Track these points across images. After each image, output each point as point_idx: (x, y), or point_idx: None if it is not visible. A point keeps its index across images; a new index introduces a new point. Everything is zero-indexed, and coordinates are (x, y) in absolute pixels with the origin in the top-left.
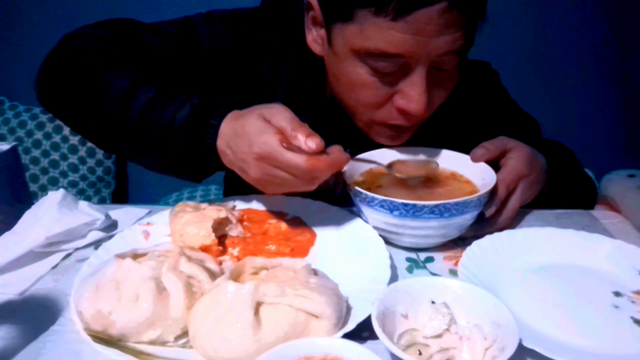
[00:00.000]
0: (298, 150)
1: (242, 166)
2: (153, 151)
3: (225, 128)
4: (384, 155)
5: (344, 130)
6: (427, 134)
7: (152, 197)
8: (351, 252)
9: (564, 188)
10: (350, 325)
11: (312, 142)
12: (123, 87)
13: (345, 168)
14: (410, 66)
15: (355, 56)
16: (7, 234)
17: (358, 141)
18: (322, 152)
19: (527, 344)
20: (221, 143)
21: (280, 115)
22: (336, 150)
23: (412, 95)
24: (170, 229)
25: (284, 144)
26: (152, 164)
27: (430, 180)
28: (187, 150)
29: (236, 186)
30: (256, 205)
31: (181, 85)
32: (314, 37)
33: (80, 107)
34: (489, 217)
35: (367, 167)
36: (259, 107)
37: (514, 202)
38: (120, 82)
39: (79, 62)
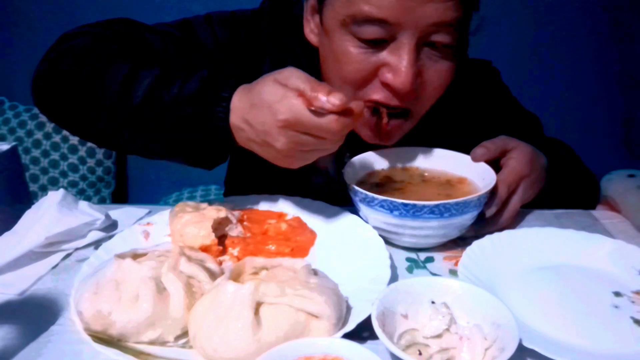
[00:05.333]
0: (321, 109)
1: (265, 139)
2: (160, 135)
3: (239, 102)
4: (383, 157)
5: None
6: (427, 133)
7: (152, 197)
8: (351, 252)
9: (564, 185)
10: (350, 325)
11: (335, 99)
12: (123, 73)
13: (345, 169)
14: (397, 38)
15: (342, 28)
16: (7, 234)
17: (357, 142)
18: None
19: (527, 344)
20: (235, 119)
21: (294, 76)
22: (355, 102)
23: (398, 68)
24: (170, 229)
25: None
26: (160, 151)
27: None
28: (196, 128)
29: (236, 186)
30: (256, 205)
31: (184, 67)
32: (311, 28)
33: (79, 104)
34: (490, 217)
35: (368, 167)
36: (269, 74)
37: (514, 202)
38: (121, 69)
39: (76, 59)
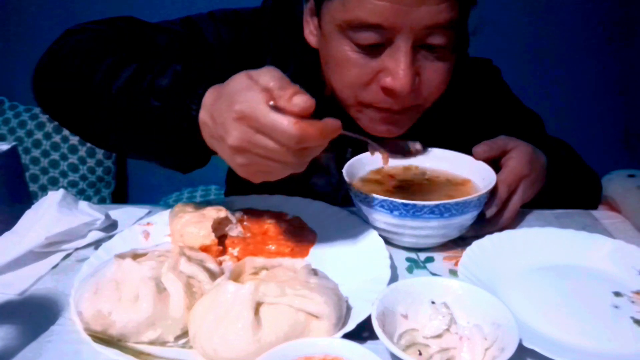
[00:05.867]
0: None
1: (221, 134)
2: (133, 130)
3: (209, 97)
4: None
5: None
6: (428, 132)
7: (152, 197)
8: (351, 252)
9: (564, 184)
10: (350, 325)
11: (299, 99)
12: (107, 65)
13: (345, 168)
14: (393, 42)
15: (340, 33)
16: (7, 234)
17: (359, 141)
18: (310, 114)
19: (527, 344)
20: (203, 113)
21: (268, 74)
22: (328, 119)
23: (396, 72)
24: (170, 229)
25: (271, 104)
26: (135, 149)
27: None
28: (163, 123)
29: (237, 186)
30: (256, 205)
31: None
32: (311, 30)
33: (71, 98)
34: (490, 217)
35: (369, 166)
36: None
37: (515, 202)
38: (106, 62)
39: (71, 54)
